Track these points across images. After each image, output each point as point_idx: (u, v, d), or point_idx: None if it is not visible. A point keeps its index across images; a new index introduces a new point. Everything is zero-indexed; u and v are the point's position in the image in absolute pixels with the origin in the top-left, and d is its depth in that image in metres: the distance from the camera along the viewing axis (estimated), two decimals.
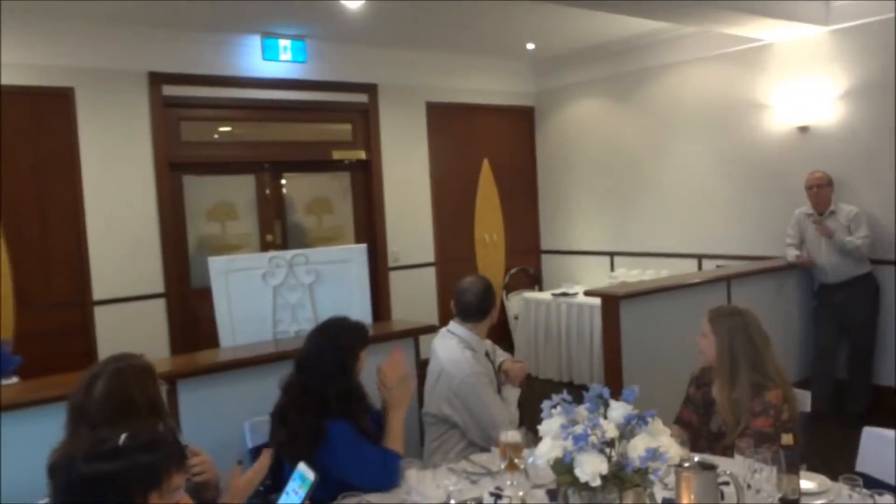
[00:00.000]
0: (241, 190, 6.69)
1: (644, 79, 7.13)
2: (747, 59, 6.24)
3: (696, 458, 2.14)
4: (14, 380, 3.61)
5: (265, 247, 6.64)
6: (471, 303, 3.22)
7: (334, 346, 2.66)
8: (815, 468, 2.50)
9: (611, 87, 7.47)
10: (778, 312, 5.50)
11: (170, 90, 6.01)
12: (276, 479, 2.41)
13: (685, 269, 6.69)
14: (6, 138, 5.36)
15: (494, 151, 7.93)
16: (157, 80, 5.94)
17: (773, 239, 5.96)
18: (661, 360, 4.43)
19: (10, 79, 5.33)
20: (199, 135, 6.49)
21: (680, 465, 2.00)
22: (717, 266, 6.33)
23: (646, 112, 7.16)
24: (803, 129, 5.91)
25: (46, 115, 5.53)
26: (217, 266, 3.62)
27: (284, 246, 7.17)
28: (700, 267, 6.72)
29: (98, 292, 5.69)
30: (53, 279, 5.56)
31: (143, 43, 5.84)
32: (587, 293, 5.22)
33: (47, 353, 4.75)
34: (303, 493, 1.90)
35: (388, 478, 2.46)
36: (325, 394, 2.54)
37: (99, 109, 5.70)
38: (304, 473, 1.93)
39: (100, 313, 5.69)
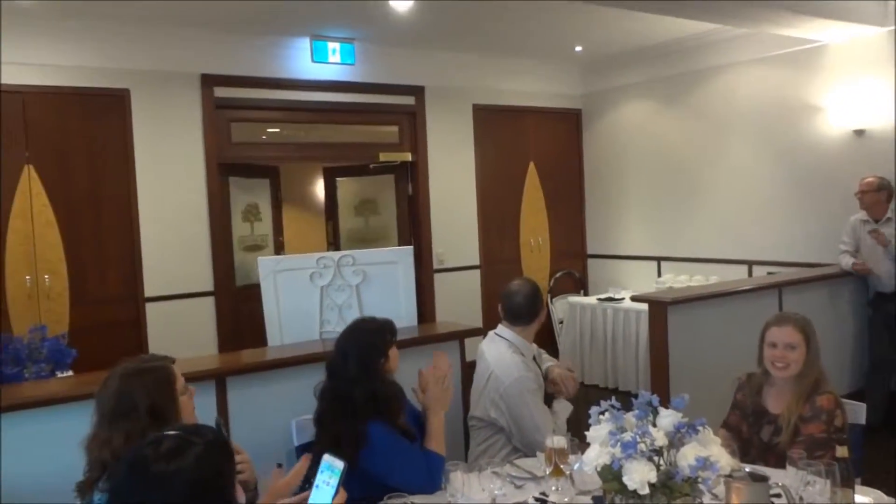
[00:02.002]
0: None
1: (694, 81, 7.02)
2: (801, 60, 6.11)
3: (747, 469, 2.10)
4: (69, 373, 3.72)
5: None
6: (520, 305, 3.19)
7: (357, 348, 2.63)
8: (869, 482, 2.43)
9: (660, 89, 7.38)
10: (831, 322, 5.37)
11: (221, 92, 6.12)
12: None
13: (735, 275, 6.57)
14: (66, 138, 5.51)
15: (541, 154, 7.90)
16: (209, 82, 6.06)
17: (826, 245, 5.81)
18: (710, 369, 4.35)
19: (69, 80, 5.50)
20: (249, 136, 6.60)
21: (730, 476, 1.96)
22: (769, 273, 6.19)
23: (696, 115, 7.05)
24: (859, 133, 5.76)
25: (103, 116, 5.68)
26: (266, 266, 3.67)
27: (337, 247, 7.38)
28: (750, 274, 6.59)
29: (149, 289, 5.81)
30: (107, 275, 5.70)
31: (196, 46, 5.95)
32: (633, 298, 5.15)
33: (100, 347, 4.87)
34: (334, 482, 1.86)
35: (431, 480, 2.45)
36: (353, 397, 2.52)
37: (153, 110, 5.83)
38: (331, 464, 1.90)
39: (151, 309, 5.82)
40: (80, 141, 5.59)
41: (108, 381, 2.07)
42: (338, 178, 7.79)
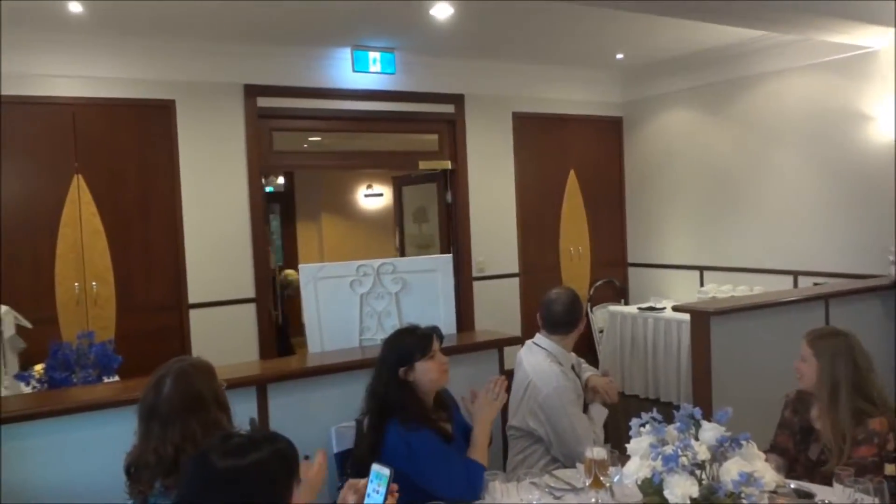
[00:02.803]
0: None
1: (739, 88, 6.92)
2: (851, 67, 5.98)
3: (792, 486, 2.06)
4: (115, 378, 3.79)
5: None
6: (559, 314, 3.17)
7: (384, 351, 2.72)
8: None
9: (703, 96, 7.29)
10: (881, 334, 5.21)
11: (264, 102, 6.21)
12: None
13: (779, 285, 6.44)
14: (113, 148, 5.65)
15: (581, 162, 7.85)
16: (251, 92, 6.15)
17: (875, 256, 5.67)
18: (753, 381, 4.25)
19: (117, 92, 5.65)
20: (290, 145, 6.68)
21: (775, 492, 1.92)
22: (815, 284, 6.05)
23: (740, 122, 6.94)
24: None
25: (149, 127, 5.81)
26: (307, 273, 3.70)
27: (402, 253, 7.62)
28: (796, 284, 6.45)
29: (193, 296, 5.92)
30: (152, 283, 5.82)
31: (240, 57, 6.06)
32: (675, 308, 5.07)
33: (145, 353, 4.95)
34: (383, 489, 1.97)
35: (470, 489, 2.46)
36: (387, 399, 2.60)
37: (197, 120, 5.95)
38: (378, 472, 2.00)
39: (194, 316, 5.92)
40: (127, 151, 5.73)
41: (160, 382, 2.11)
42: (403, 187, 8.19)
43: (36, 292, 5.39)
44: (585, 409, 3.18)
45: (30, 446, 2.65)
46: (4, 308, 4.00)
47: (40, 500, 2.62)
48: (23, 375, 3.63)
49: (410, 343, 2.69)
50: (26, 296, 5.24)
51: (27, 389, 3.56)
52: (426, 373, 2.67)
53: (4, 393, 3.64)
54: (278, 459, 1.60)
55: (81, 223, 5.56)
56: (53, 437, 2.69)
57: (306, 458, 2.28)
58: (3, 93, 5.24)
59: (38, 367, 3.70)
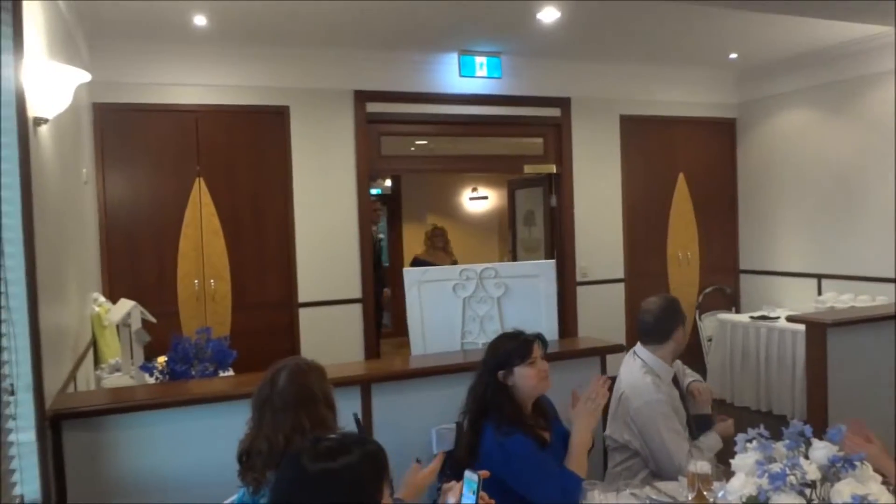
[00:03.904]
0: None
1: (860, 87, 6.55)
2: None
3: None
4: (230, 372, 3.99)
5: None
6: (649, 324, 3.09)
7: (487, 353, 2.76)
8: None
9: (822, 96, 6.94)
10: None
11: (373, 107, 6.37)
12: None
13: None
14: (232, 153, 5.94)
15: (691, 165, 7.63)
16: (361, 97, 6.32)
17: None
18: (874, 398, 4.03)
19: (236, 99, 5.94)
20: (398, 149, 6.82)
21: None
22: None
23: (862, 123, 6.57)
24: None
25: (265, 132, 6.07)
26: (411, 277, 3.78)
27: (514, 256, 7.74)
28: None
29: (303, 295, 6.14)
30: (265, 282, 6.08)
31: (350, 63, 6.24)
32: (790, 318, 4.86)
33: (258, 349, 5.19)
34: (473, 496, 2.01)
35: (565, 498, 2.44)
36: (485, 401, 2.65)
37: (309, 125, 6.17)
38: (469, 478, 2.05)
39: (304, 315, 6.14)
40: (245, 155, 6.00)
41: (276, 376, 2.22)
42: (516, 191, 8.35)
43: (161, 288, 5.74)
44: (702, 422, 3.09)
45: (152, 433, 2.84)
46: (132, 303, 4.28)
47: (160, 485, 2.80)
48: (147, 366, 3.87)
49: (511, 347, 2.71)
50: (152, 291, 5.60)
51: (151, 380, 3.79)
52: (525, 378, 2.67)
53: (130, 383, 3.90)
54: (368, 462, 1.62)
55: (202, 224, 5.87)
56: (174, 426, 2.86)
57: (418, 461, 2.35)
58: (135, 101, 5.62)
59: (161, 359, 3.93)
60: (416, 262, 6.65)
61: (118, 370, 4.07)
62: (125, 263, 5.66)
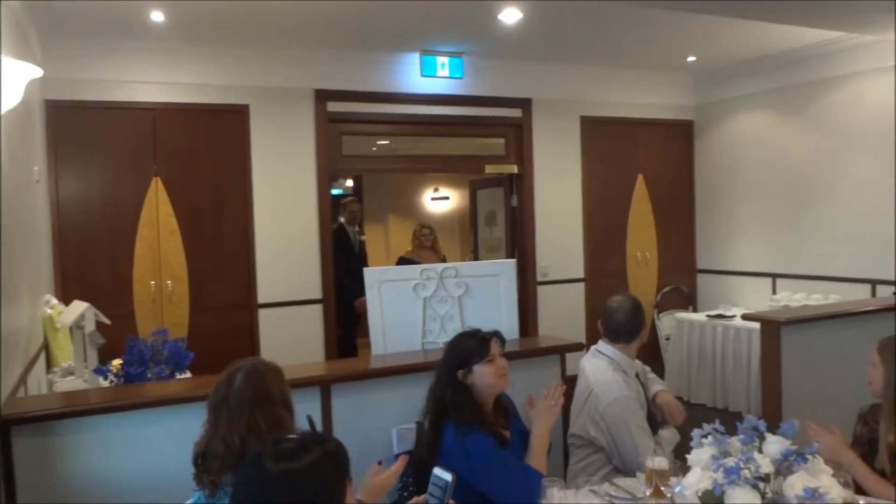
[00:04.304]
0: None
1: (814, 91, 6.71)
2: None
3: (862, 502, 1.99)
4: (187, 374, 3.92)
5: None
6: (620, 323, 3.13)
7: (446, 352, 2.76)
8: None
9: (777, 99, 7.08)
10: None
11: (334, 106, 6.33)
12: (420, 485, 2.49)
13: (856, 295, 6.21)
14: (190, 152, 5.85)
15: (650, 166, 7.73)
16: (322, 97, 6.28)
17: None
18: (826, 394, 4.12)
19: (195, 98, 5.85)
20: (359, 148, 6.79)
21: None
22: (894, 293, 5.82)
23: (816, 126, 6.73)
24: None
25: (224, 131, 6.00)
26: (371, 276, 3.76)
27: (476, 256, 7.73)
28: (874, 293, 6.20)
29: (262, 296, 6.07)
30: (224, 282, 6.00)
31: (311, 62, 6.19)
32: (745, 317, 4.95)
33: (216, 351, 5.11)
34: (441, 493, 1.99)
35: (526, 495, 2.45)
36: (444, 400, 2.65)
37: (269, 125, 6.11)
38: (439, 475, 2.02)
39: (263, 316, 6.08)
40: (203, 154, 5.92)
41: (233, 376, 2.19)
42: (477, 191, 8.34)
43: (115, 289, 5.63)
44: (651, 421, 3.13)
45: (106, 437, 2.78)
46: (85, 305, 4.18)
47: (114, 490, 2.75)
48: (101, 369, 3.78)
49: (469, 346, 2.72)
50: (106, 293, 5.49)
51: (105, 383, 3.72)
52: (483, 376, 2.68)
53: (84, 386, 3.81)
54: (330, 461, 1.62)
55: (159, 224, 5.77)
56: (128, 429, 2.81)
57: (379, 463, 2.34)
58: (90, 98, 5.50)
59: (116, 362, 3.85)
60: (402, 262, 6.51)
61: (71, 374, 3.97)
62: (78, 264, 5.53)
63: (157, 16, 4.98)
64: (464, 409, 2.63)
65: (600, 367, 3.10)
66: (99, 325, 4.15)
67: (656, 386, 3.33)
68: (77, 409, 2.79)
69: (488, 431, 2.61)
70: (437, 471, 2.05)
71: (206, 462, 2.10)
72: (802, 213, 6.88)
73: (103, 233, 5.61)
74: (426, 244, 6.82)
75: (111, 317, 4.42)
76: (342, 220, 7.19)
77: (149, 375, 3.66)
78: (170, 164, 5.80)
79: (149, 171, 5.74)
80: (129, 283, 5.69)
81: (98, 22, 5.02)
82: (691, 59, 7.02)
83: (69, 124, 5.50)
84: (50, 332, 4.14)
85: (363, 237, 7.43)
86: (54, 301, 4.54)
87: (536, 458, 2.63)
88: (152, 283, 5.74)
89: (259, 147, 6.07)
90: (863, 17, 4.83)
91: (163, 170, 5.78)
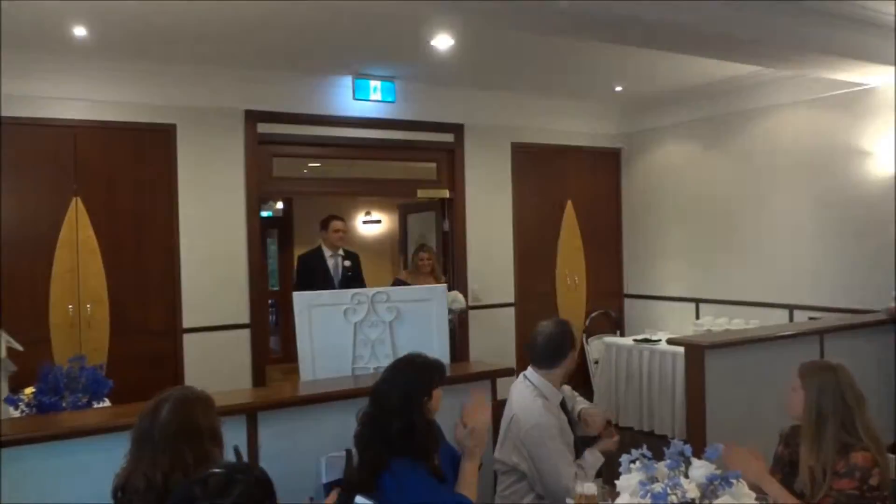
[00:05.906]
0: None
1: (736, 122, 6.97)
2: (848, 103, 6.03)
3: None
4: (106, 403, 3.76)
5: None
6: (540, 348, 3.12)
7: (404, 380, 2.61)
8: None
9: (701, 130, 7.34)
10: (875, 370, 5.20)
11: (264, 128, 6.25)
12: None
13: (775, 319, 6.44)
14: (113, 171, 5.67)
15: (579, 193, 7.88)
16: (252, 117, 6.19)
17: (872, 291, 5.68)
18: (749, 417, 4.24)
19: (118, 116, 5.68)
20: (290, 171, 6.70)
21: None
22: (810, 318, 6.06)
23: (737, 156, 6.99)
24: None
25: (150, 151, 5.84)
26: (301, 301, 3.70)
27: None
28: (791, 318, 6.45)
29: (188, 320, 5.90)
30: (147, 306, 5.80)
31: (241, 83, 6.10)
32: (670, 341, 5.06)
33: (138, 378, 4.94)
34: None
35: None
36: (390, 428, 2.51)
37: (197, 145, 5.98)
38: None
39: (188, 341, 5.89)
40: (127, 174, 5.75)
41: (159, 407, 2.10)
42: (408, 215, 8.35)
43: (30, 314, 5.37)
44: (583, 443, 3.14)
45: (18, 471, 2.62)
46: None
47: None
48: (12, 399, 3.59)
49: (428, 373, 2.64)
50: (20, 317, 5.20)
51: (15, 413, 3.53)
52: (436, 402, 2.62)
53: None
54: (259, 488, 1.62)
55: (78, 245, 5.55)
56: (40, 462, 2.66)
57: (311, 499, 2.25)
58: (4, 114, 5.27)
59: (29, 391, 3.66)
60: (398, 283, 5.95)
61: None
62: None
63: (79, 30, 4.83)
64: (428, 438, 2.53)
65: (523, 393, 3.09)
66: (11, 351, 3.94)
67: (581, 405, 3.35)
68: None
69: (432, 468, 2.54)
70: (360, 499, 2.01)
71: (125, 496, 2.01)
72: (724, 240, 7.11)
73: (17, 254, 5.35)
74: (424, 270, 6.16)
75: (25, 343, 4.20)
76: (321, 243, 6.01)
77: (64, 405, 3.49)
78: (91, 183, 5.61)
79: (68, 189, 5.54)
80: (45, 307, 5.45)
81: (15, 34, 4.81)
82: (619, 88, 7.21)
83: None
84: None
85: (348, 262, 5.99)
86: None
87: (468, 486, 2.60)
88: (70, 306, 5.51)
89: (186, 167, 5.93)
90: (782, 53, 5.04)
91: (83, 189, 5.58)
